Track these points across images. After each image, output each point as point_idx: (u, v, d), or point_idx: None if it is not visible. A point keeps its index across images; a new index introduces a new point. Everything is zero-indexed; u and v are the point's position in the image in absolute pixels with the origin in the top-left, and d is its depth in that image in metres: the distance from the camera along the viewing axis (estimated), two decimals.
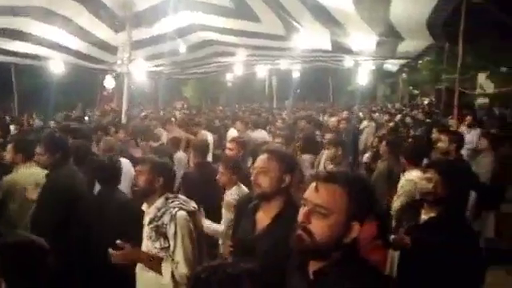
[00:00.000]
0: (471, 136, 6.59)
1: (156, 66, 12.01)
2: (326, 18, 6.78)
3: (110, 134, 5.78)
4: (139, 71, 10.03)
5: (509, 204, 6.18)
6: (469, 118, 6.91)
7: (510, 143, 7.13)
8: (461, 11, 5.83)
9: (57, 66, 9.88)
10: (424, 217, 2.61)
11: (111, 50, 9.32)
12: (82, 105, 16.79)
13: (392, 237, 2.65)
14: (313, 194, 1.35)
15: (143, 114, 13.28)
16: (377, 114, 13.04)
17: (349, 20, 6.62)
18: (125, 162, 4.50)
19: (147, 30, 8.78)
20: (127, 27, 7.48)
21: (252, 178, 2.03)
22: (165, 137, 7.05)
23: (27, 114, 13.73)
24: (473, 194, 4.70)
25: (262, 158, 2.03)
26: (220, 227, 3.30)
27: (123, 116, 7.66)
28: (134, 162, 3.99)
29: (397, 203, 3.62)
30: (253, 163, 2.87)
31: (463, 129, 7.17)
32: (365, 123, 9.47)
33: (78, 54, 9.59)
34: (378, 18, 6.20)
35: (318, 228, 1.31)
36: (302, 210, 1.35)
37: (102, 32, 8.57)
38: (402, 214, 3.12)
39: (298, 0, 6.23)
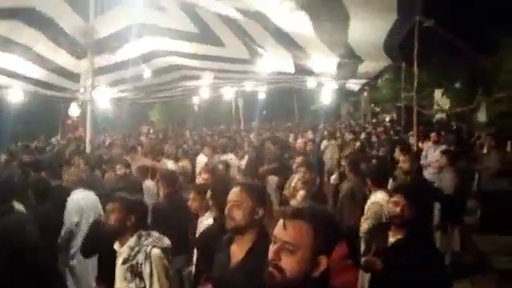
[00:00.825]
0: (437, 154, 6.76)
1: (120, 91, 11.84)
2: (288, 42, 6.97)
3: (74, 165, 5.60)
4: (103, 98, 9.83)
5: (470, 216, 6.48)
6: (433, 135, 7.10)
7: (466, 158, 7.50)
8: (414, 34, 6.15)
9: (16, 95, 9.53)
10: (391, 239, 2.69)
11: (73, 77, 9.12)
12: (44, 135, 16.21)
13: (363, 259, 2.69)
14: (281, 231, 1.38)
15: (108, 141, 12.95)
16: (347, 133, 13.01)
17: (310, 44, 6.84)
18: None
19: (110, 57, 8.68)
20: (89, 54, 7.36)
21: (225, 211, 2.02)
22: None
23: None
24: (437, 206, 4.89)
25: (235, 191, 2.04)
26: None
27: (87, 145, 7.45)
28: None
29: (364, 226, 3.68)
30: (212, 193, 2.84)
31: (429, 145, 7.32)
32: (325, 143, 9.39)
33: (38, 83, 9.32)
34: (338, 41, 6.44)
35: (288, 264, 1.33)
36: (272, 248, 1.38)
37: (63, 59, 8.39)
38: (370, 237, 3.19)
39: (260, 26, 6.38)
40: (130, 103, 15.31)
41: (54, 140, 15.15)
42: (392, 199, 2.73)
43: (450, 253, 5.06)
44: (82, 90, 9.59)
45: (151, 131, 20.99)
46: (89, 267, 4.20)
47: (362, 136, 11.38)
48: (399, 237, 2.65)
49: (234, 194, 2.04)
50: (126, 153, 8.05)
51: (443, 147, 6.92)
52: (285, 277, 1.32)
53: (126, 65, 9.31)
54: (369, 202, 3.82)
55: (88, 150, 7.47)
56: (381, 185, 3.89)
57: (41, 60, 8.15)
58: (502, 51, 10.50)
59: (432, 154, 6.68)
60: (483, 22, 10.65)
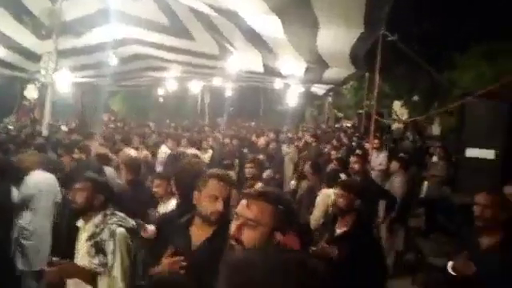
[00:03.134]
0: (380, 158, 7.19)
1: (83, 76, 11.55)
2: (259, 42, 7.12)
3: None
4: (64, 82, 9.53)
5: (415, 219, 6.93)
6: (376, 141, 7.44)
7: (417, 165, 7.98)
8: (378, 46, 6.47)
9: None
10: (338, 231, 2.95)
11: (34, 58, 8.81)
12: None
13: (312, 248, 2.88)
14: (244, 209, 1.56)
15: (64, 127, 12.53)
16: (308, 136, 12.87)
17: (279, 46, 7.02)
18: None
19: (75, 40, 8.47)
20: (54, 36, 7.15)
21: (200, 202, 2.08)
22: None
23: None
24: (382, 204, 5.23)
25: (213, 183, 2.09)
26: None
27: (44, 128, 7.24)
28: None
29: (313, 214, 4.09)
30: (176, 180, 2.90)
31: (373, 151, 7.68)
32: (284, 148, 9.48)
33: None
34: (306, 46, 6.67)
35: (248, 238, 1.52)
36: (235, 223, 1.56)
37: (26, 39, 8.11)
38: (321, 229, 3.44)
39: (231, 23, 6.48)
40: (94, 89, 14.91)
41: (7, 120, 14.46)
42: (335, 191, 3.16)
43: (394, 252, 5.43)
44: (42, 71, 9.26)
45: (112, 119, 20.44)
46: (42, 246, 4.14)
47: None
48: (344, 229, 2.94)
49: (212, 185, 2.07)
50: (83, 139, 7.85)
51: (386, 153, 7.36)
52: (244, 248, 1.50)
53: (92, 49, 9.12)
54: (319, 195, 4.24)
55: (45, 133, 7.27)
56: (332, 185, 4.24)
57: (2, 38, 7.85)
58: (459, 69, 11.18)
59: (374, 160, 7.07)
60: (444, 40, 11.32)
